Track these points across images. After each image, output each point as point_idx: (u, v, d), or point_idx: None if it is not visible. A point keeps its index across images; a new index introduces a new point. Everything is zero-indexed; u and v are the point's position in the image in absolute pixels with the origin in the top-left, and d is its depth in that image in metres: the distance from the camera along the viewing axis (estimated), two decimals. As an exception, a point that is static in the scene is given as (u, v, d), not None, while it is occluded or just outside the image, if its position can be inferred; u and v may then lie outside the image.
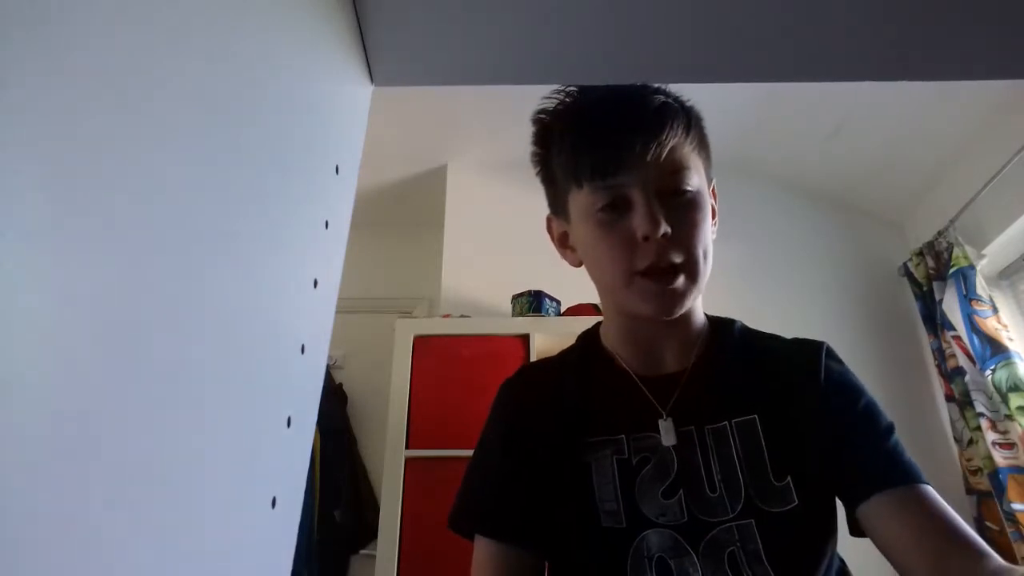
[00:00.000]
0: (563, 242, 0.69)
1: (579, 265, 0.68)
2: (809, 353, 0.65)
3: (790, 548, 0.56)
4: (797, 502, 0.56)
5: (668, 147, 0.58)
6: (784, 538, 0.56)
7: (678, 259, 0.57)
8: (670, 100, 0.60)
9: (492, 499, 0.64)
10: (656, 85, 0.61)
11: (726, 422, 0.60)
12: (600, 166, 0.58)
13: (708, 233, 0.60)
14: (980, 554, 0.51)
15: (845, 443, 0.58)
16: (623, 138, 0.57)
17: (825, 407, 0.60)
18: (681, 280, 0.57)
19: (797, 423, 0.60)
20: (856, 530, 0.58)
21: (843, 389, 0.62)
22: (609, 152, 0.57)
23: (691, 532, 0.56)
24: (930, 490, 0.56)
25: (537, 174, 0.70)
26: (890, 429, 0.60)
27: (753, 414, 0.60)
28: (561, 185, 0.63)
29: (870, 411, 0.61)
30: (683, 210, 0.58)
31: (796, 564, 0.56)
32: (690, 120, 0.61)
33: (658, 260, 0.56)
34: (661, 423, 0.61)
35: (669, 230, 0.56)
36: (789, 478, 0.57)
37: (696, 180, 0.60)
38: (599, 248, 0.60)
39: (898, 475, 0.56)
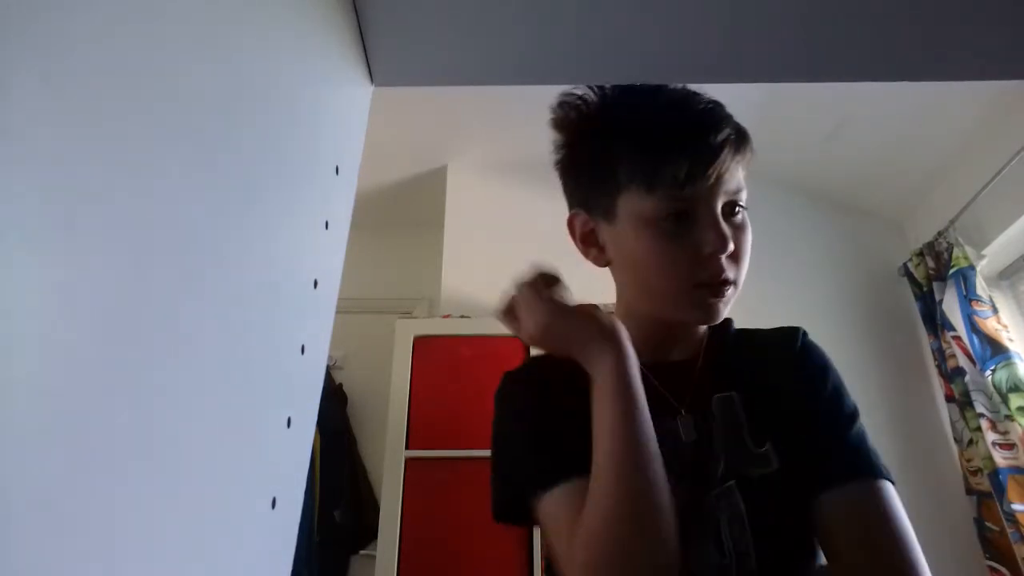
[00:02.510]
0: (588, 240, 0.67)
1: (604, 265, 0.67)
2: (786, 333, 0.69)
3: (773, 513, 0.57)
4: (777, 466, 0.58)
5: (737, 168, 0.60)
6: (766, 501, 0.57)
7: (732, 275, 0.59)
8: (739, 124, 0.61)
9: (536, 456, 0.61)
10: (720, 102, 0.62)
11: (711, 399, 0.62)
12: (682, 175, 0.57)
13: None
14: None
15: (808, 428, 0.60)
16: (708, 153, 0.57)
17: (798, 381, 0.63)
18: (730, 291, 0.60)
19: (776, 395, 0.62)
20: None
21: (815, 370, 0.65)
22: (692, 164, 0.57)
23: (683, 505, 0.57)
24: (885, 489, 0.56)
25: (560, 162, 0.67)
26: (851, 417, 0.61)
27: (732, 391, 0.62)
28: (618, 183, 0.61)
29: (835, 395, 0.63)
30: (739, 229, 0.60)
31: (778, 532, 0.57)
32: (752, 149, 0.62)
33: (718, 274, 0.58)
34: (680, 420, 0.62)
35: (733, 247, 0.58)
36: (768, 444, 0.59)
37: (745, 200, 0.62)
38: (658, 257, 0.59)
39: (850, 470, 0.57)
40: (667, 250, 0.59)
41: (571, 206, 0.68)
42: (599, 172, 0.63)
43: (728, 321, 0.71)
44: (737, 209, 0.61)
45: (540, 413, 0.64)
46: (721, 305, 0.60)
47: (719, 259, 0.57)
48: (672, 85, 0.63)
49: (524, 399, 0.67)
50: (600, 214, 0.64)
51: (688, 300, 0.60)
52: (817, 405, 0.62)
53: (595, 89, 0.64)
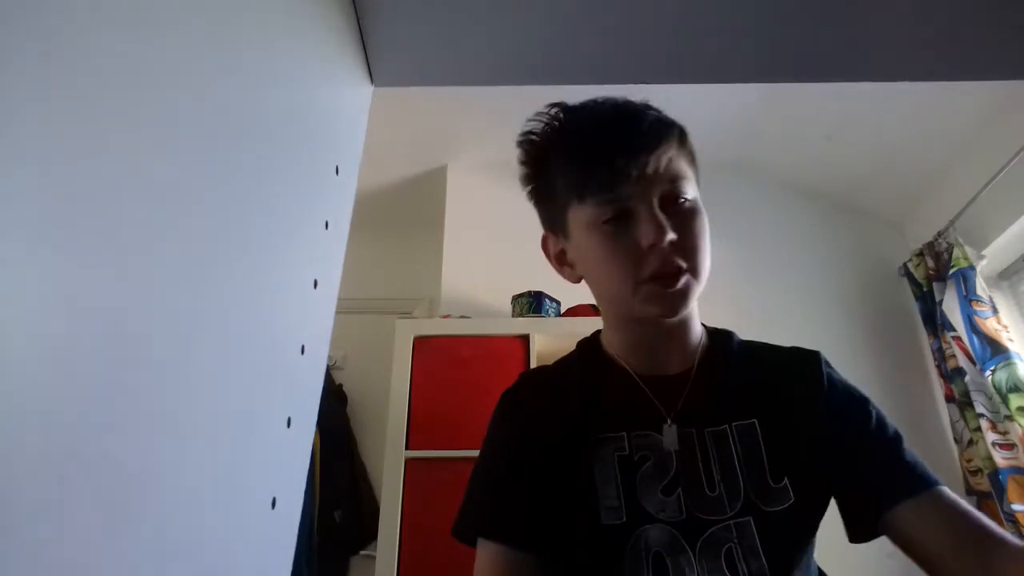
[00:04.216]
0: (560, 259, 0.70)
1: (578, 281, 0.69)
2: (808, 362, 0.68)
3: (785, 542, 0.59)
4: (794, 499, 0.59)
5: (667, 159, 0.60)
6: (780, 533, 0.58)
7: (683, 264, 0.59)
8: (662, 115, 0.63)
9: (495, 503, 0.64)
10: (645, 102, 0.63)
11: (726, 425, 0.62)
12: (604, 180, 0.59)
13: (708, 239, 0.62)
14: (1002, 540, 0.54)
15: (861, 456, 0.62)
16: (625, 152, 0.59)
17: (830, 416, 0.63)
18: (685, 279, 0.59)
19: (797, 428, 0.62)
20: (857, 537, 0.61)
21: (850, 402, 0.65)
22: (612, 166, 0.59)
23: (689, 530, 0.58)
24: (947, 490, 0.59)
25: (529, 193, 0.71)
26: (898, 438, 0.63)
27: (753, 419, 0.62)
28: (561, 201, 0.64)
29: (880, 423, 0.64)
30: (685, 217, 0.60)
31: (789, 556, 0.59)
32: (683, 134, 0.64)
33: (664, 266, 0.58)
34: (665, 428, 0.62)
35: (675, 236, 0.57)
36: (787, 480, 0.60)
37: (692, 189, 0.62)
38: (605, 259, 0.61)
39: (920, 482, 0.59)
40: (610, 250, 0.60)
41: (544, 230, 0.71)
42: (549, 193, 0.67)
43: (729, 333, 0.71)
44: (682, 199, 0.60)
45: (512, 454, 0.66)
46: (677, 296, 0.59)
47: (661, 250, 0.57)
48: (617, 97, 0.65)
49: (505, 432, 0.69)
50: (561, 233, 0.67)
51: (640, 296, 0.59)
52: (870, 438, 0.63)
53: (546, 120, 0.66)
